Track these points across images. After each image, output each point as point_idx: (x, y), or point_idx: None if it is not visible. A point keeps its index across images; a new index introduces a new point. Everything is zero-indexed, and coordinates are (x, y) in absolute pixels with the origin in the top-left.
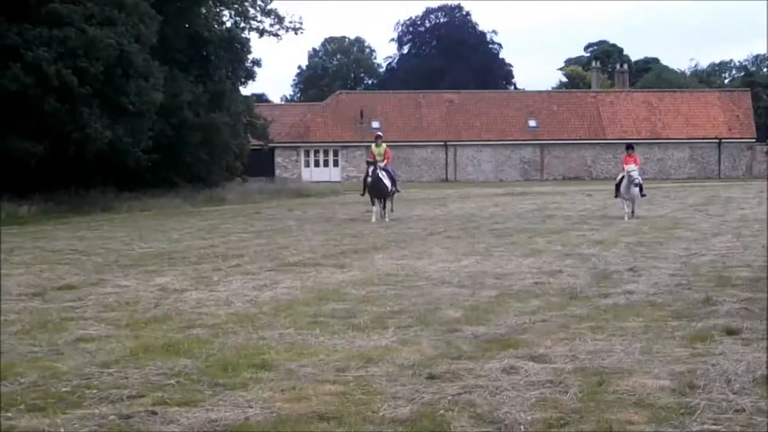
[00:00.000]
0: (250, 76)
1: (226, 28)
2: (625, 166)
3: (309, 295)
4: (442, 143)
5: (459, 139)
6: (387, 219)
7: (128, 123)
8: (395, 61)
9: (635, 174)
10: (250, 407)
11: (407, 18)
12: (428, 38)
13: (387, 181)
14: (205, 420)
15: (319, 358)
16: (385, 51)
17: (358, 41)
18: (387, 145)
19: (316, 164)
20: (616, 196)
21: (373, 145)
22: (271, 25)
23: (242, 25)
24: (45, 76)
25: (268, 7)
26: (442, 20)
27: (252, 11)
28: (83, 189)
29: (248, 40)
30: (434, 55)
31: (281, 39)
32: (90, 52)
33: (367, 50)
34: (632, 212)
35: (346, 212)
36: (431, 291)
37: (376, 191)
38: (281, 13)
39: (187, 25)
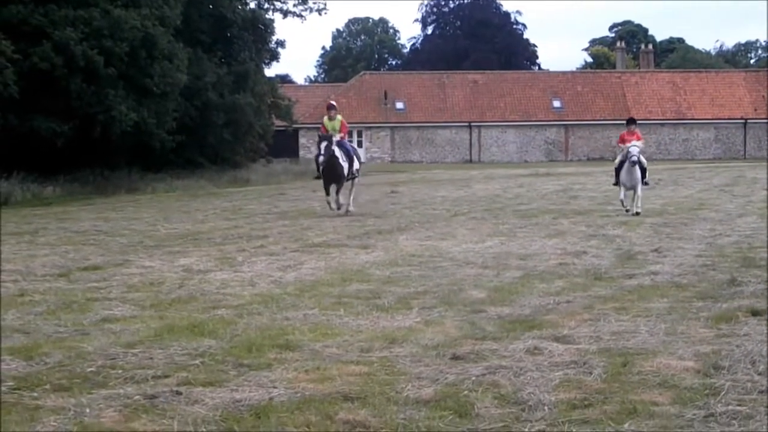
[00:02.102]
0: (274, 57)
1: (250, 9)
2: (621, 145)
3: (333, 276)
4: (467, 124)
5: (483, 120)
6: (346, 210)
7: (153, 104)
8: (419, 41)
9: (635, 150)
10: (275, 387)
11: None
12: (452, 19)
13: (344, 162)
14: (229, 400)
15: (343, 339)
16: (409, 31)
17: (382, 22)
18: (342, 119)
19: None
20: (615, 184)
21: (325, 117)
22: (295, 6)
23: (266, 6)
24: (72, 55)
25: None
26: (466, 1)
27: None
28: (108, 170)
29: (272, 21)
30: (458, 36)
31: (305, 20)
32: (115, 33)
33: (391, 31)
34: (636, 204)
35: (370, 193)
36: (455, 272)
37: (331, 174)
38: None
39: (211, 6)
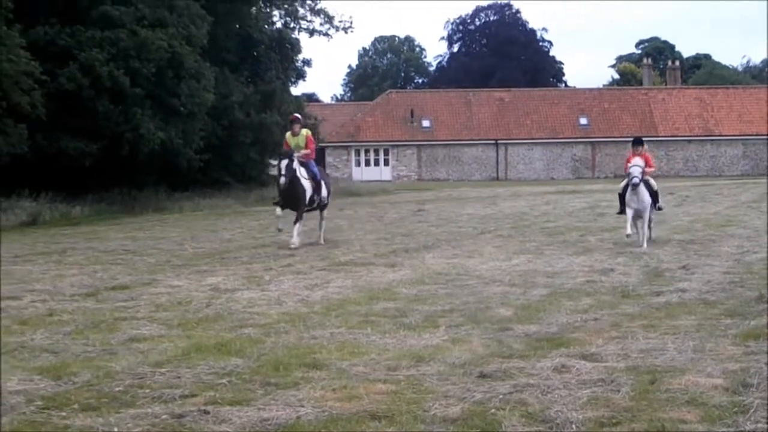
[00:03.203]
0: (301, 75)
1: (276, 28)
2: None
3: (360, 295)
4: (493, 141)
5: (510, 138)
6: (296, 243)
7: (180, 124)
8: (445, 59)
9: (636, 171)
10: (302, 406)
11: (457, 17)
12: (478, 36)
13: (306, 183)
14: (257, 419)
15: (370, 357)
16: (435, 50)
17: (408, 40)
18: (309, 135)
19: (367, 163)
20: (621, 212)
21: (288, 133)
22: (321, 25)
23: (292, 25)
24: (98, 76)
25: (318, 6)
26: (492, 18)
27: (302, 11)
28: (135, 189)
29: (298, 40)
30: (484, 54)
31: (331, 38)
32: (142, 53)
33: (417, 49)
34: (645, 234)
35: (397, 211)
36: (482, 290)
37: (291, 198)
38: (331, 12)
39: (237, 26)
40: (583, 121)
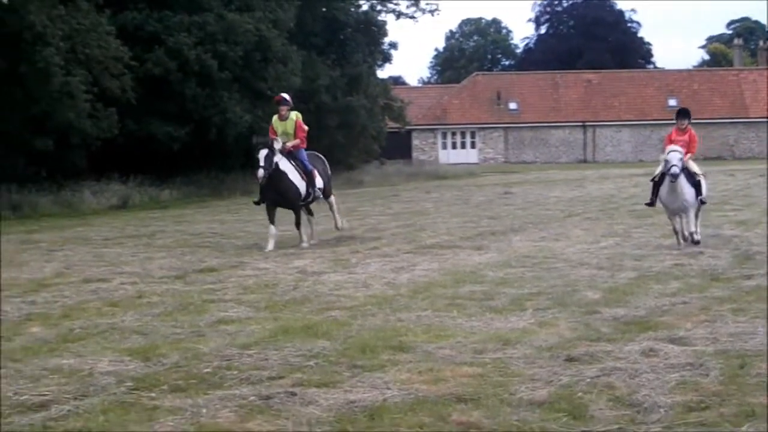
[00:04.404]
0: (387, 58)
1: (363, 11)
2: (667, 147)
3: (446, 277)
4: (581, 124)
5: (597, 120)
6: (306, 243)
7: (267, 107)
8: (532, 41)
9: (675, 157)
10: (388, 389)
11: None
12: (566, 18)
13: (295, 177)
14: (343, 401)
15: (456, 340)
16: (522, 31)
17: (495, 22)
18: (299, 119)
19: (453, 146)
20: (650, 203)
21: (275, 117)
22: (408, 8)
23: (378, 7)
24: (186, 60)
25: None
26: (579, 0)
27: None
28: (223, 173)
29: (384, 22)
30: (572, 35)
31: (417, 21)
32: (229, 37)
33: (504, 31)
34: (691, 230)
35: (484, 194)
36: (569, 273)
37: (274, 194)
38: None
39: (324, 9)
40: (672, 102)
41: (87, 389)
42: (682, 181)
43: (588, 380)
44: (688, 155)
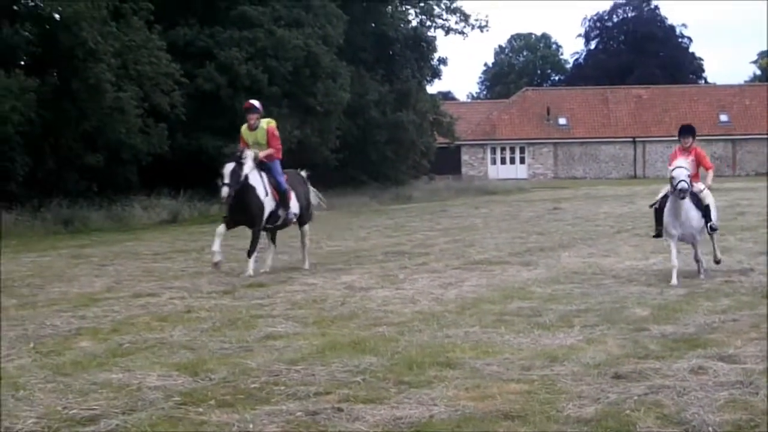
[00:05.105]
0: (436, 74)
1: (412, 26)
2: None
3: (494, 293)
4: (631, 139)
5: (648, 135)
6: (268, 268)
7: (316, 122)
8: (582, 56)
9: (681, 174)
10: (435, 405)
11: (595, 13)
12: (616, 33)
13: (262, 192)
14: (390, 417)
15: (504, 357)
16: (572, 47)
17: (545, 37)
18: (272, 128)
19: (503, 161)
20: (656, 235)
21: (243, 126)
22: (457, 23)
23: (428, 23)
24: (236, 75)
25: (454, 5)
26: (630, 15)
27: (437, 9)
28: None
29: (434, 38)
30: (622, 50)
31: (467, 37)
32: (278, 52)
33: (554, 46)
34: (698, 261)
35: (533, 210)
36: (618, 289)
37: (239, 213)
38: (467, 11)
39: (373, 25)
40: (724, 118)
41: (135, 404)
42: (687, 204)
43: (636, 398)
44: (709, 172)
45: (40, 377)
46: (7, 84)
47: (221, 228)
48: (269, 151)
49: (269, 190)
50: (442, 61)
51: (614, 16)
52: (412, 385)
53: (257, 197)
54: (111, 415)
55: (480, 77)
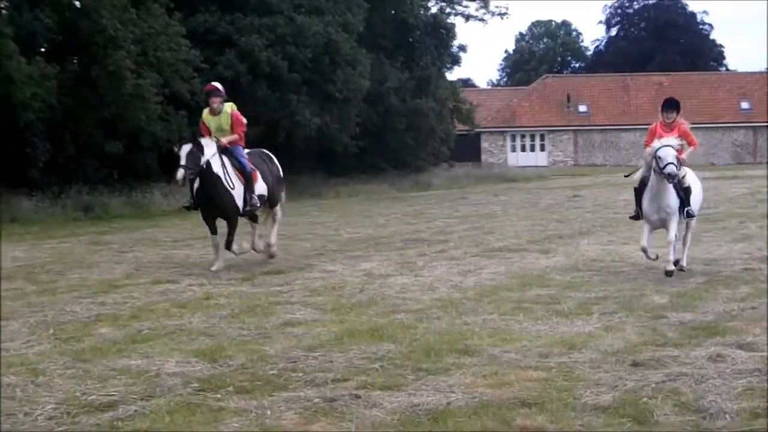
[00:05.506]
0: (456, 61)
1: (432, 13)
2: (655, 142)
3: (513, 281)
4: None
5: None
6: (217, 267)
7: (336, 110)
8: (603, 43)
9: (668, 154)
10: (453, 392)
11: (616, 0)
12: (637, 20)
13: (230, 181)
14: (407, 404)
15: (521, 344)
16: (592, 34)
17: (565, 24)
18: (235, 112)
19: (523, 149)
20: (634, 216)
21: (205, 110)
22: (477, 10)
23: (447, 10)
24: (256, 62)
25: None
26: (650, 2)
27: None
28: (292, 175)
29: (453, 25)
30: (643, 37)
31: (487, 24)
32: (298, 39)
33: (574, 33)
34: (673, 251)
35: (552, 197)
36: (637, 276)
37: (207, 203)
38: None
39: (393, 12)
40: (745, 105)
41: (154, 390)
42: (667, 186)
43: (653, 385)
44: (691, 148)
45: (59, 363)
46: (28, 71)
47: (214, 238)
48: (233, 137)
49: (234, 179)
50: (462, 48)
51: (635, 2)
52: (429, 372)
53: (227, 189)
54: (129, 401)
55: (500, 64)
